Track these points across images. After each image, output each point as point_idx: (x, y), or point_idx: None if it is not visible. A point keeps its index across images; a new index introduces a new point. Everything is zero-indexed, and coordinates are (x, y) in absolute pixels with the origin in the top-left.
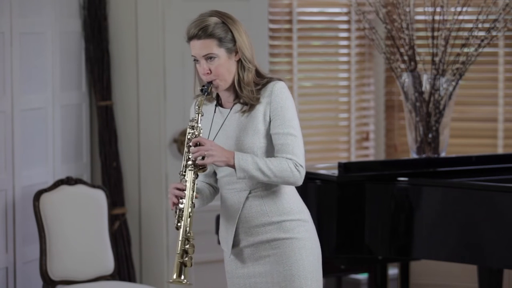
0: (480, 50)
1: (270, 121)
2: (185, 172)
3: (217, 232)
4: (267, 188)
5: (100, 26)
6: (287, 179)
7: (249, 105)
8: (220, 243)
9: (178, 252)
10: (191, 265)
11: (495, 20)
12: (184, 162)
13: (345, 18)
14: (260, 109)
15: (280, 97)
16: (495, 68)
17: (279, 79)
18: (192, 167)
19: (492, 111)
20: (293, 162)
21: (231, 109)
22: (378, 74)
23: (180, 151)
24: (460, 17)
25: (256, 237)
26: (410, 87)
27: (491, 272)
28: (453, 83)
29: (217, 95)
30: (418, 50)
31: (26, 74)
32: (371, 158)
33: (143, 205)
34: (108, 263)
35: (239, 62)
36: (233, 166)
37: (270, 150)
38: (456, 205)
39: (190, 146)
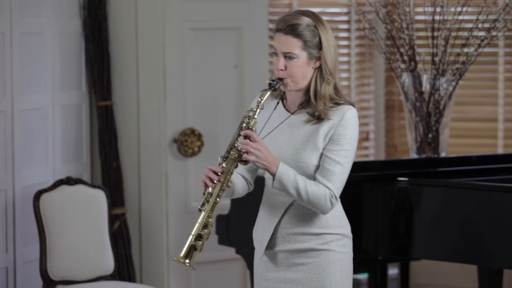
0: (480, 50)
1: (328, 142)
2: (226, 158)
3: (217, 232)
4: None
5: (100, 26)
6: (317, 207)
7: (316, 118)
8: (254, 242)
9: (193, 234)
10: (201, 250)
11: (495, 20)
12: (228, 148)
13: (345, 18)
14: (325, 127)
15: (348, 125)
16: (495, 68)
17: (353, 105)
18: (234, 157)
19: (492, 111)
20: (330, 193)
21: (292, 113)
22: (378, 74)
23: (180, 151)
24: (460, 17)
25: (293, 244)
26: (410, 87)
27: (491, 272)
28: (453, 83)
29: (283, 94)
30: (418, 50)
31: (26, 74)
32: (371, 158)
33: (143, 205)
34: (108, 263)
35: (318, 70)
36: (272, 174)
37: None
38: (456, 205)
39: (240, 135)
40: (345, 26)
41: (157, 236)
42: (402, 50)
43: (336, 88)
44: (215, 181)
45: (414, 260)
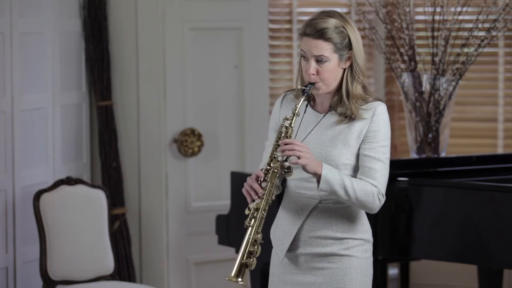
0: (480, 50)
1: (362, 141)
2: (267, 171)
3: (217, 232)
4: (338, 201)
5: (100, 26)
6: (366, 205)
7: (348, 119)
8: (273, 243)
9: (242, 251)
10: (253, 267)
11: (495, 20)
12: (268, 161)
13: None
14: (357, 126)
15: (381, 120)
16: (495, 68)
17: (382, 101)
18: (278, 168)
19: (492, 111)
20: (377, 190)
21: (324, 115)
22: (378, 74)
23: (180, 151)
24: (460, 17)
25: (315, 248)
26: (410, 87)
27: (491, 272)
28: (453, 83)
29: (311, 95)
30: (418, 50)
31: (26, 74)
32: None
33: (143, 205)
34: (108, 263)
35: (349, 70)
36: (318, 176)
37: (355, 170)
38: (456, 205)
39: (279, 146)
40: None
41: (157, 236)
42: (402, 50)
43: (364, 86)
44: (259, 195)
45: (414, 260)
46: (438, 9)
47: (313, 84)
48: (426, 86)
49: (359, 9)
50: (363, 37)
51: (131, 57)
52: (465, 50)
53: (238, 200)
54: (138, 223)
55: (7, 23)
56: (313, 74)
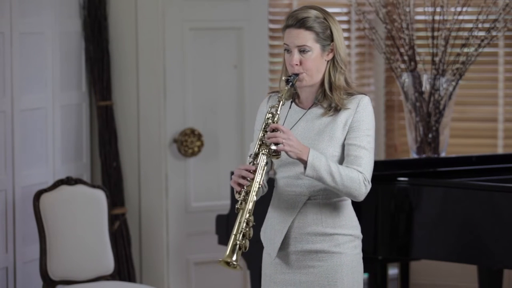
0: (480, 50)
1: (348, 131)
2: (256, 155)
3: (217, 232)
4: (327, 197)
5: (100, 26)
6: (352, 191)
7: (333, 110)
8: (264, 244)
9: (234, 233)
10: (246, 249)
11: (495, 20)
12: (257, 145)
13: (345, 18)
14: (342, 116)
15: (365, 111)
16: (495, 68)
17: (366, 94)
18: (266, 151)
19: (492, 111)
20: (363, 176)
21: (309, 109)
22: (378, 74)
23: (180, 151)
24: (460, 17)
25: (306, 245)
26: (410, 87)
27: (491, 272)
28: (453, 83)
29: (294, 93)
30: (418, 50)
31: (26, 74)
32: None
33: (143, 205)
34: (108, 263)
35: (331, 62)
36: (304, 162)
37: (342, 161)
38: (456, 205)
39: (267, 131)
40: (345, 26)
41: (157, 236)
42: (402, 50)
43: (346, 80)
44: (249, 179)
45: (414, 260)
46: (438, 9)
47: (297, 75)
48: (426, 86)
49: (359, 9)
50: (363, 37)
51: (131, 57)
52: (465, 50)
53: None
54: (138, 223)
55: (7, 23)
56: (297, 64)
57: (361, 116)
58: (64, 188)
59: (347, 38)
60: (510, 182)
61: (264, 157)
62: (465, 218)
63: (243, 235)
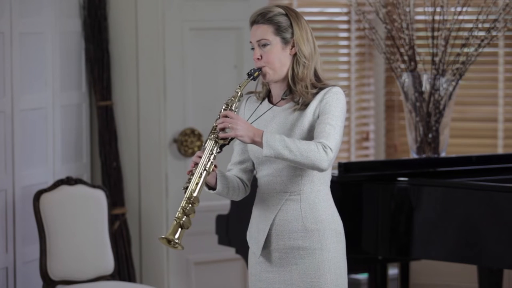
0: (480, 50)
1: (317, 117)
2: (206, 140)
3: (217, 232)
4: (306, 193)
5: (100, 26)
6: (313, 160)
7: (301, 104)
8: (249, 244)
9: (178, 211)
10: (188, 228)
11: (495, 20)
12: (210, 132)
13: (345, 18)
14: (311, 108)
15: (333, 97)
16: (495, 68)
17: (339, 86)
18: (212, 137)
19: (492, 111)
20: (322, 144)
21: (276, 104)
22: (378, 74)
23: (180, 151)
24: (460, 17)
25: (288, 242)
26: (410, 87)
27: (491, 272)
28: (453, 83)
29: (268, 93)
30: (418, 50)
31: (26, 74)
32: (371, 158)
33: (143, 205)
34: (108, 263)
35: (295, 57)
36: (260, 143)
37: None
38: (456, 205)
39: (218, 118)
40: (345, 26)
41: (157, 236)
42: (402, 50)
43: (316, 75)
44: (196, 162)
45: (414, 260)
46: (438, 9)
47: (259, 69)
48: (426, 86)
49: (359, 9)
50: (363, 37)
51: (131, 57)
52: (465, 50)
53: (238, 200)
54: (138, 223)
55: (7, 23)
56: (258, 58)
57: (328, 101)
58: (64, 188)
59: (347, 38)
60: (510, 182)
61: (212, 142)
62: (465, 218)
63: (185, 213)
